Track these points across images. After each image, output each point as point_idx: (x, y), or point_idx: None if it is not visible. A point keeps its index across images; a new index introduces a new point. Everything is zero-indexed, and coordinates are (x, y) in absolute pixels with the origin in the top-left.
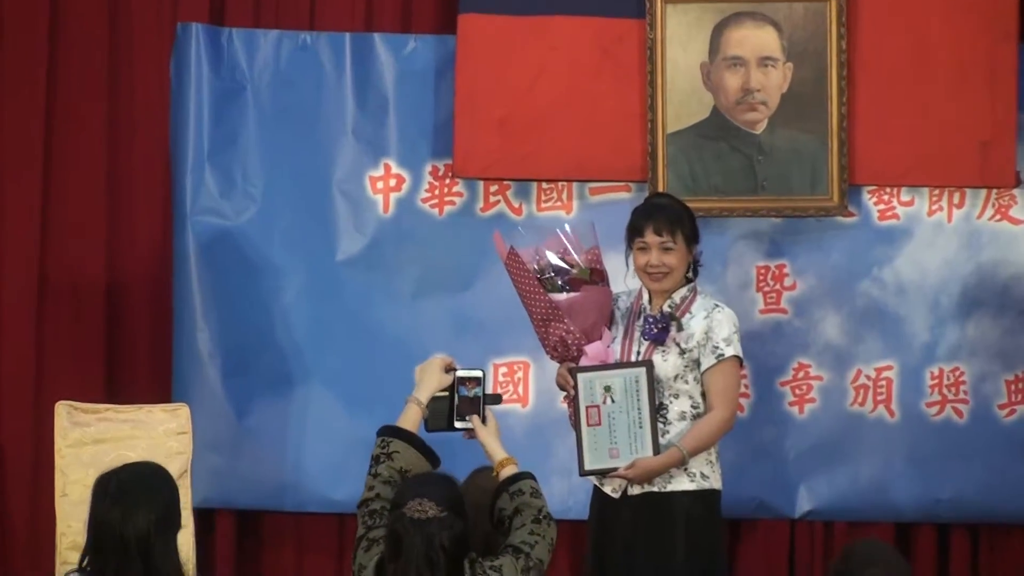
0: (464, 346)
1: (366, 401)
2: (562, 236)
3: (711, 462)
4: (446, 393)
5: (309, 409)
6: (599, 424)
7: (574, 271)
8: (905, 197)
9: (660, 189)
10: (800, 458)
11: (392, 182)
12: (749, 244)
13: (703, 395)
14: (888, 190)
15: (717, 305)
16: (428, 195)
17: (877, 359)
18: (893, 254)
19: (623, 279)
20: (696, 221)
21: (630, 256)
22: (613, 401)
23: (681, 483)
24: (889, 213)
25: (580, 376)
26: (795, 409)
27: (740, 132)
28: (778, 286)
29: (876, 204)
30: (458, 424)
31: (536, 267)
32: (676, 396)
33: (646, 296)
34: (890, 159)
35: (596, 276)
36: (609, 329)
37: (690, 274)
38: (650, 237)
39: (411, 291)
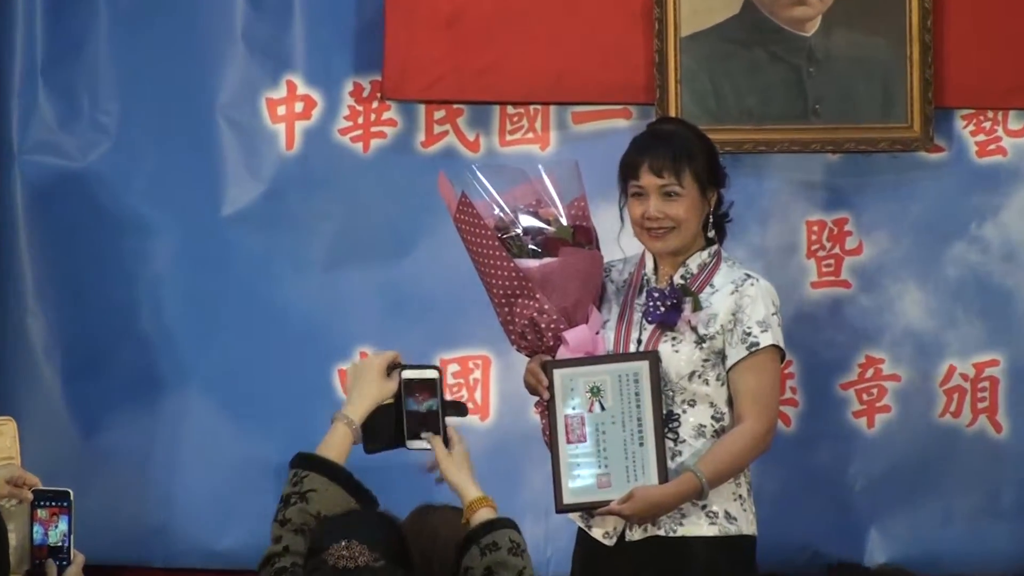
0: (400, 335)
1: (264, 412)
2: (534, 180)
3: (740, 497)
4: (390, 401)
5: (184, 423)
6: (583, 440)
7: (550, 228)
8: (1014, 124)
9: (672, 112)
10: (870, 489)
11: (298, 107)
12: (797, 191)
13: (730, 401)
14: (990, 115)
15: (749, 276)
16: (348, 125)
17: (977, 352)
18: (998, 204)
19: (617, 239)
20: (718, 156)
21: (624, 206)
22: (603, 408)
23: (698, 526)
24: (992, 147)
25: (557, 373)
26: (862, 421)
27: (784, 34)
28: (837, 249)
29: (974, 135)
30: (411, 444)
31: (497, 223)
32: (691, 402)
33: (650, 263)
34: (993, 72)
35: (581, 236)
36: (599, 309)
37: (712, 233)
38: (646, 178)
39: (325, 258)
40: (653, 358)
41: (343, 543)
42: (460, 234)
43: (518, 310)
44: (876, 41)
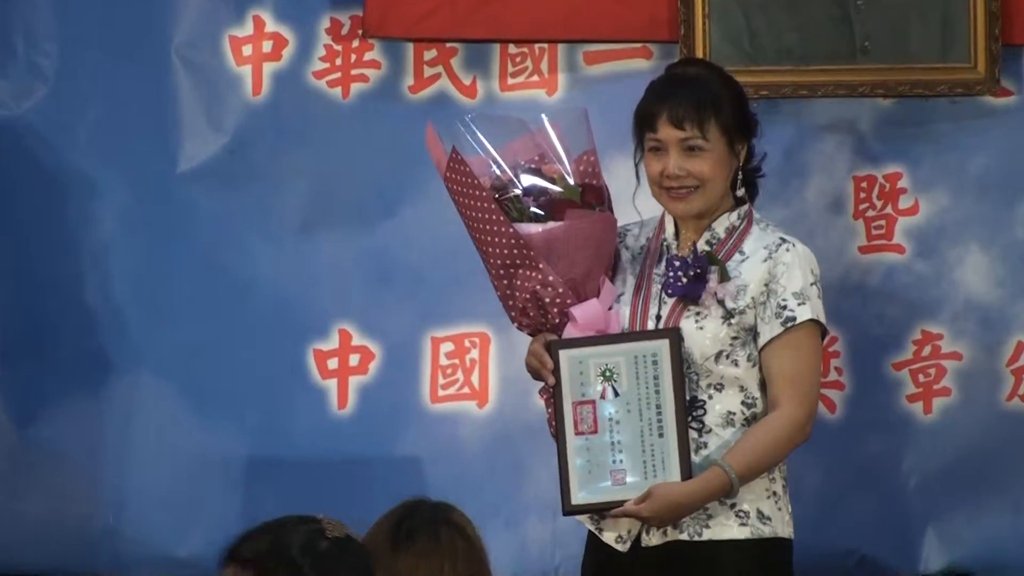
0: (385, 310)
1: (229, 399)
2: (536, 132)
3: (775, 494)
4: None
5: (137, 412)
6: (595, 432)
7: (555, 188)
8: None
9: (699, 51)
10: (927, 485)
11: (267, 46)
12: (843, 141)
13: (763, 385)
14: None
15: (784, 240)
16: (325, 67)
17: None
18: None
19: (632, 200)
20: (747, 103)
21: (640, 162)
22: (617, 394)
23: (727, 527)
24: None
25: (564, 355)
26: (918, 407)
27: None
28: (889, 209)
29: None
30: None
31: (494, 182)
32: (719, 387)
33: (670, 228)
34: None
35: (591, 196)
36: (612, 280)
37: (741, 191)
38: (666, 131)
39: (299, 221)
40: (674, 336)
41: None
42: (451, 196)
43: (519, 283)
44: None
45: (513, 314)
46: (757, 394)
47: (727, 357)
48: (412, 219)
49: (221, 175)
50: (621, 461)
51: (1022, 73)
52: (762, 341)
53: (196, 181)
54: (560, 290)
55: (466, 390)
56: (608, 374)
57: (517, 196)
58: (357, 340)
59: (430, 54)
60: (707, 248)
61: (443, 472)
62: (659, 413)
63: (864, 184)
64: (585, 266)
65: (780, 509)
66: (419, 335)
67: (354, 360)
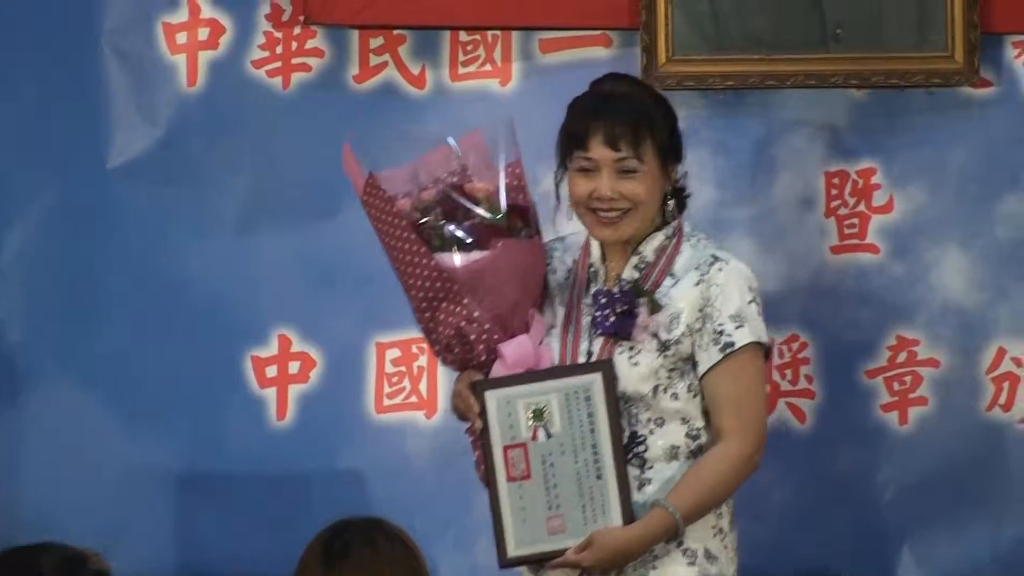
0: (328, 313)
1: (160, 408)
2: (456, 145)
3: (721, 531)
4: None
5: (59, 422)
6: (527, 478)
7: (480, 210)
8: None
9: (661, 39)
10: (903, 499)
11: (203, 34)
12: (813, 135)
13: (707, 413)
14: None
15: (717, 258)
16: (264, 55)
17: None
18: None
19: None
20: (678, 122)
21: (562, 181)
22: (549, 436)
23: (675, 568)
24: None
25: (491, 395)
26: (893, 417)
27: None
28: (863, 207)
29: None
30: None
31: (415, 203)
32: (660, 421)
33: (596, 252)
34: None
35: (518, 219)
36: (541, 310)
37: (670, 205)
38: (599, 151)
39: (236, 219)
40: (606, 368)
41: None
42: (370, 221)
43: (442, 317)
44: None
45: (437, 349)
46: (701, 424)
47: (665, 391)
48: (356, 217)
49: (154, 171)
50: (558, 507)
51: (1002, 62)
52: (702, 369)
53: (127, 177)
54: (487, 326)
55: (413, 399)
56: (539, 414)
57: (441, 224)
58: (297, 346)
59: (376, 42)
60: (636, 274)
61: (389, 487)
62: (595, 453)
63: (836, 180)
64: (513, 299)
65: (726, 547)
66: (363, 341)
67: (294, 367)
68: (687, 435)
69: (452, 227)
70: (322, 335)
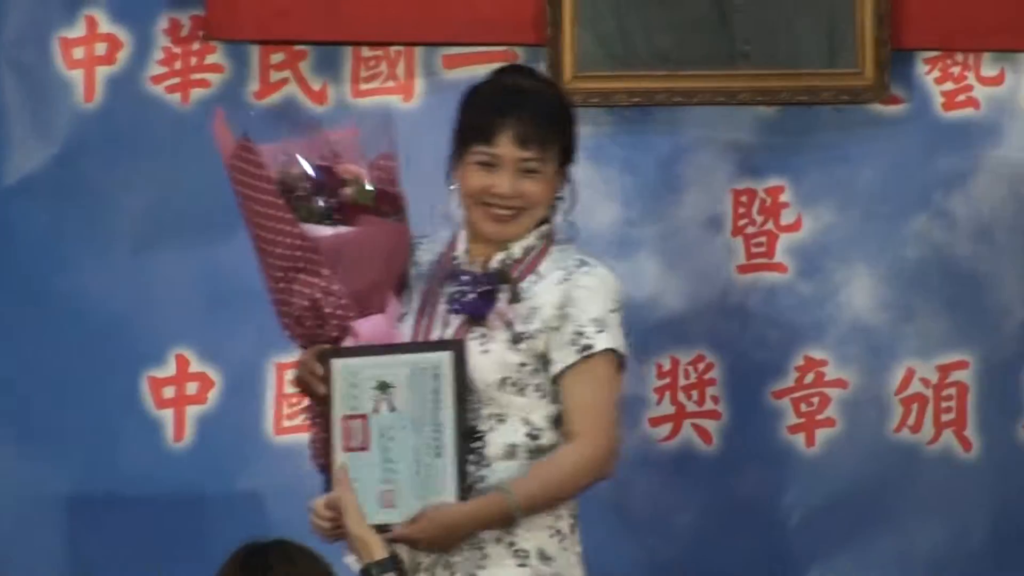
0: (226, 333)
1: (54, 432)
2: (333, 131)
3: (559, 532)
4: None
5: None
6: (365, 448)
7: (348, 190)
8: (989, 70)
9: (567, 55)
10: (810, 523)
11: (100, 48)
12: (720, 152)
13: (550, 419)
14: (959, 59)
15: (584, 262)
16: (163, 71)
17: (941, 351)
18: (968, 169)
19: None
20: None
21: (454, 172)
22: (392, 410)
23: (504, 568)
24: (961, 98)
25: (337, 364)
26: (800, 438)
27: None
28: (771, 225)
29: (939, 83)
30: None
31: (284, 176)
32: (501, 418)
33: (462, 245)
34: (963, 7)
35: (386, 204)
36: (399, 298)
37: (557, 207)
38: (505, 147)
39: (133, 237)
40: (457, 348)
41: None
42: (234, 187)
43: (298, 288)
44: None
45: (286, 321)
46: (543, 426)
47: (512, 384)
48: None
49: (49, 188)
50: (393, 481)
51: (913, 79)
52: (555, 369)
53: (21, 194)
54: (343, 301)
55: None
56: (384, 387)
57: (306, 195)
58: (195, 366)
59: (277, 57)
60: (501, 266)
61: (288, 509)
62: (436, 431)
63: (743, 198)
64: (372, 278)
65: (566, 549)
66: (262, 361)
67: (192, 388)
68: (527, 435)
69: (319, 201)
70: (220, 355)
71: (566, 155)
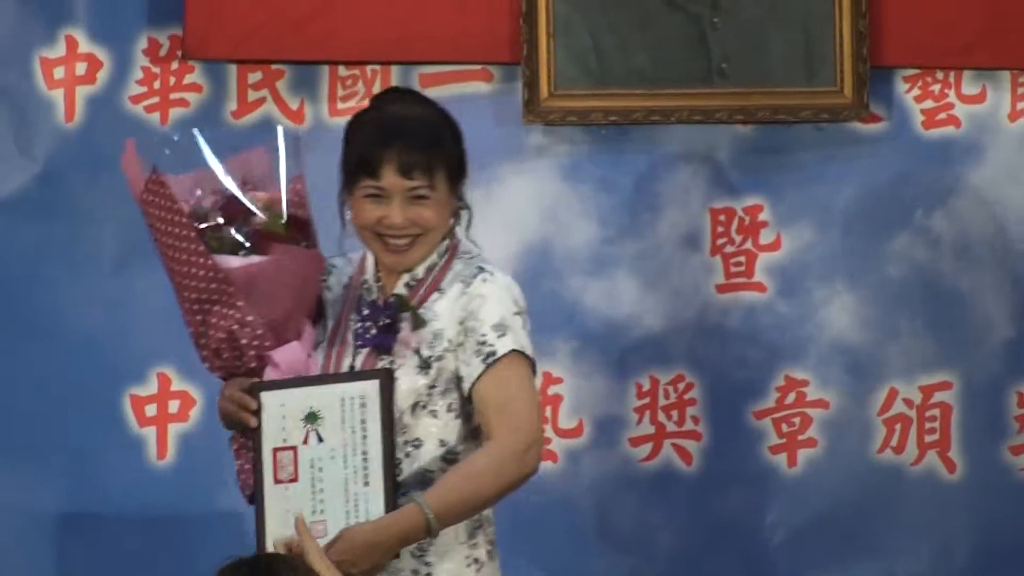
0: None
1: (37, 450)
2: (242, 157)
3: (477, 561)
4: None
5: None
6: (295, 480)
7: (260, 219)
8: (970, 88)
9: (543, 73)
10: (792, 544)
11: (80, 68)
12: (698, 171)
13: (464, 437)
14: (940, 76)
15: (482, 270)
16: (142, 91)
17: (924, 372)
18: (949, 187)
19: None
20: (463, 138)
21: (346, 204)
22: (321, 440)
23: None
24: (942, 116)
25: (266, 396)
26: (782, 459)
27: None
28: (749, 244)
29: (919, 101)
30: None
31: (195, 208)
32: (416, 443)
33: (371, 269)
34: (943, 23)
35: (297, 230)
36: (314, 325)
37: (454, 223)
38: (391, 179)
39: (115, 257)
40: (385, 377)
41: None
42: (147, 221)
43: (214, 320)
44: None
45: (205, 354)
46: (459, 448)
47: (424, 407)
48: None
49: (30, 206)
50: (322, 512)
51: (892, 98)
52: (467, 383)
53: (2, 213)
54: (259, 332)
55: None
56: (312, 418)
57: (218, 224)
58: (177, 385)
59: (255, 76)
60: (405, 291)
61: None
62: (365, 460)
63: (722, 217)
64: (287, 306)
65: (484, 566)
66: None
67: (174, 406)
68: (443, 458)
69: (231, 230)
70: (201, 373)
71: (457, 172)
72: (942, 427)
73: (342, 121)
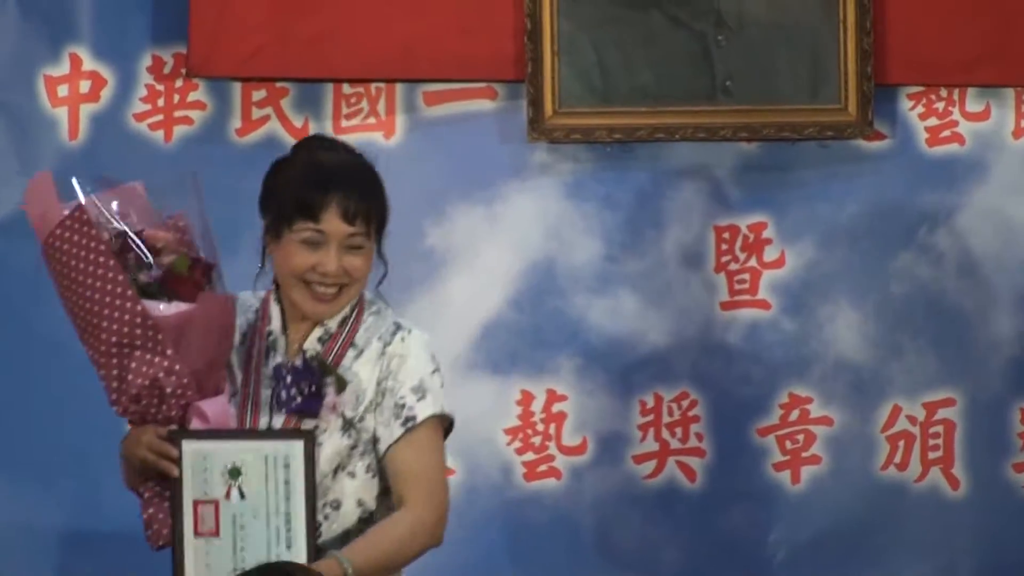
0: None
1: (41, 467)
2: (117, 190)
3: None
4: None
5: None
6: (215, 534)
7: (167, 259)
8: (973, 106)
9: (548, 91)
10: (795, 561)
11: (84, 86)
12: (702, 188)
13: (380, 496)
14: (943, 94)
15: (399, 328)
16: (146, 108)
17: (928, 389)
18: (953, 204)
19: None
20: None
21: (268, 247)
22: (243, 496)
23: None
24: (946, 134)
25: (188, 446)
26: (785, 476)
27: None
28: (753, 262)
29: (923, 118)
30: None
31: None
32: (336, 505)
33: (276, 319)
34: (946, 40)
35: (199, 271)
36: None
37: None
38: (332, 223)
39: None
40: (309, 439)
41: None
42: (58, 259)
43: (135, 366)
44: (802, 1)
45: (118, 397)
46: (374, 507)
47: (344, 469)
48: (238, 272)
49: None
50: (244, 567)
51: (897, 115)
52: (383, 445)
53: (7, 231)
54: (185, 380)
55: None
56: (235, 473)
57: (135, 267)
58: None
59: (259, 94)
60: (319, 346)
61: None
62: (288, 522)
63: (726, 235)
64: (211, 356)
65: None
66: None
67: None
68: (360, 519)
69: (151, 274)
70: None
71: (383, 225)
72: (945, 444)
73: (347, 139)
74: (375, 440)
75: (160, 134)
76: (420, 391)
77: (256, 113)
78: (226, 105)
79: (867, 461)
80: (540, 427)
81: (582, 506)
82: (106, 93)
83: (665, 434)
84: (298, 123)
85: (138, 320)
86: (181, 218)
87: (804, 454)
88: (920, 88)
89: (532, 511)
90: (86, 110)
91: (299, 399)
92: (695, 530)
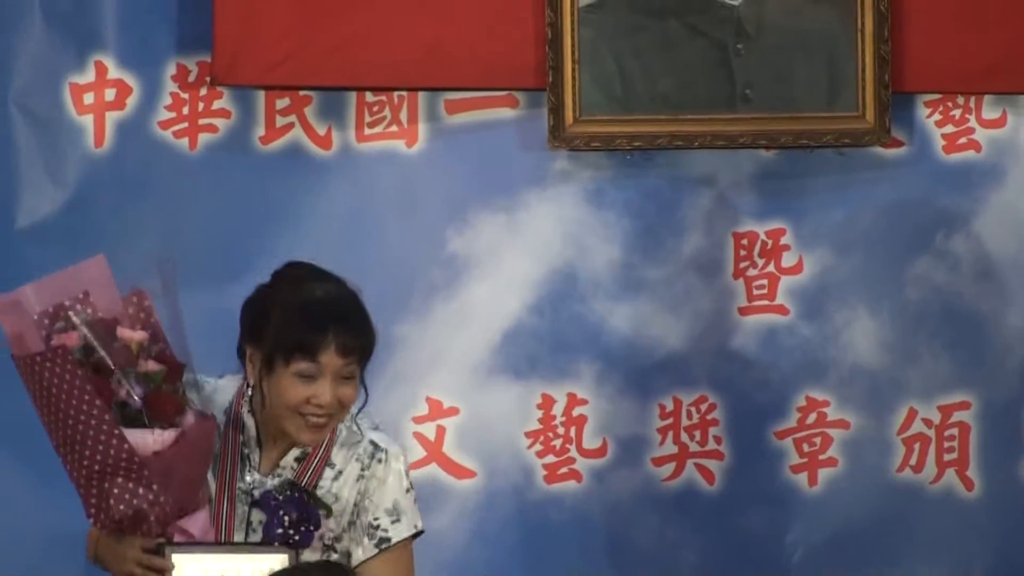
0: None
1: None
2: (77, 269)
3: None
4: None
5: None
6: None
7: (141, 369)
8: (990, 113)
9: (568, 99)
10: (812, 562)
11: (109, 94)
12: (721, 195)
13: None
14: (960, 101)
15: (376, 447)
16: (171, 116)
17: (944, 392)
18: (970, 210)
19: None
20: None
21: (259, 375)
22: None
23: None
24: (962, 141)
25: (180, 559)
26: (803, 478)
27: (706, 1)
28: (772, 267)
29: (940, 125)
30: None
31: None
32: None
33: (252, 430)
34: (964, 48)
35: (174, 375)
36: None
37: None
38: (329, 358)
39: (144, 283)
40: (293, 555)
41: None
42: (37, 382)
43: (117, 492)
44: (820, 10)
45: (96, 515)
46: None
47: None
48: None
49: (61, 232)
50: None
51: (914, 122)
52: (355, 560)
53: (35, 238)
54: (168, 508)
55: None
56: None
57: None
58: None
59: (283, 102)
60: (296, 464)
61: None
62: None
63: (745, 241)
64: (194, 479)
65: None
66: None
67: None
68: None
69: (131, 402)
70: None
71: (368, 354)
72: (961, 446)
73: (369, 147)
74: (348, 554)
75: (185, 142)
76: (395, 513)
77: (280, 121)
78: (250, 113)
79: (883, 463)
80: (560, 430)
81: (602, 508)
82: (131, 101)
83: (684, 437)
84: (321, 131)
85: (123, 455)
86: (143, 297)
87: (821, 456)
88: (937, 95)
89: (552, 513)
90: (111, 118)
91: (292, 532)
92: (713, 532)
